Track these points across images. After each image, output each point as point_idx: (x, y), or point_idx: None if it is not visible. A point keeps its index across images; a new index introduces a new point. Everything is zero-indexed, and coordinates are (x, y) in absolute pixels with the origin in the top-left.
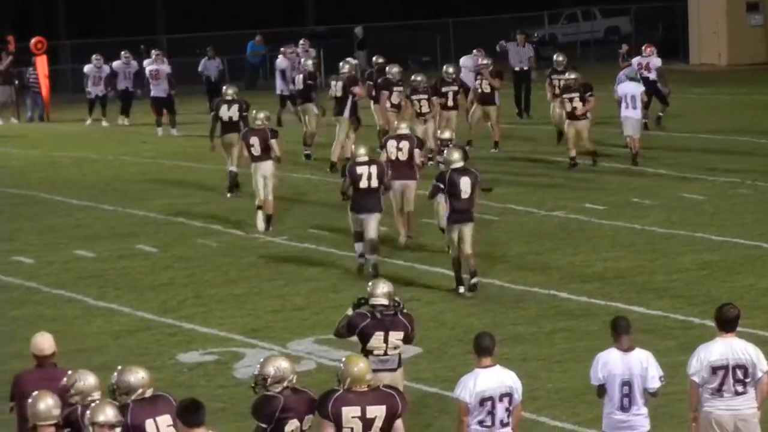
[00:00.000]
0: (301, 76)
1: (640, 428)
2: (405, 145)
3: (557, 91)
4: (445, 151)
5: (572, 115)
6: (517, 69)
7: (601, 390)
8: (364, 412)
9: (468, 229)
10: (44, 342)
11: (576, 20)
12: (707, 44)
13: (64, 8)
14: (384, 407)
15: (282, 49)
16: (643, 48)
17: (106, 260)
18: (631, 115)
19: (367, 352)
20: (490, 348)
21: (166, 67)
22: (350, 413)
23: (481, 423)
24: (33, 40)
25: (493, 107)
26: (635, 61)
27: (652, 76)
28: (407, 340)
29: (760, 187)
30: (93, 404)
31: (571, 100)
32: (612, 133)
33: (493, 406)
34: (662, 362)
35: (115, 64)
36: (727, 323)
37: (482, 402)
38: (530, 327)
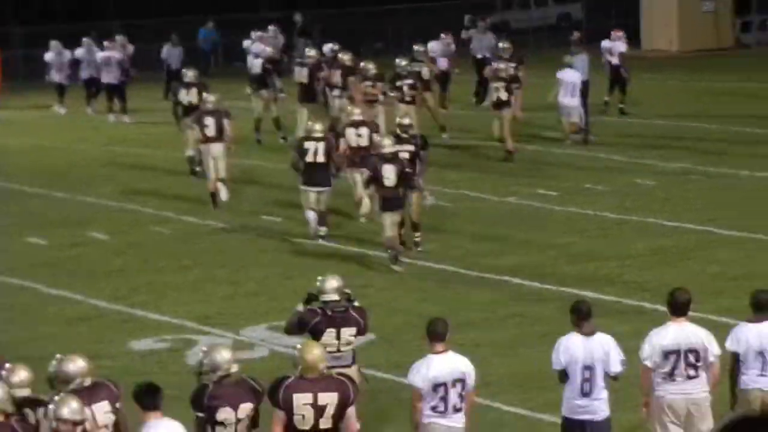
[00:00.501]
0: (260, 61)
1: (600, 413)
2: (364, 131)
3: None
4: (376, 138)
5: (497, 105)
6: (479, 57)
7: (563, 375)
8: (315, 399)
9: (396, 216)
10: None
11: (528, 6)
12: (659, 30)
13: None
14: (336, 394)
15: (258, 34)
16: (612, 32)
17: (58, 248)
18: (569, 103)
19: None
20: (443, 334)
21: (117, 54)
22: (302, 400)
23: (434, 409)
24: None
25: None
26: (603, 44)
27: (615, 60)
28: (360, 334)
29: (711, 173)
30: (56, 398)
31: (497, 89)
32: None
33: (446, 392)
34: None
35: (78, 51)
36: (678, 308)
37: (435, 388)
38: (483, 313)
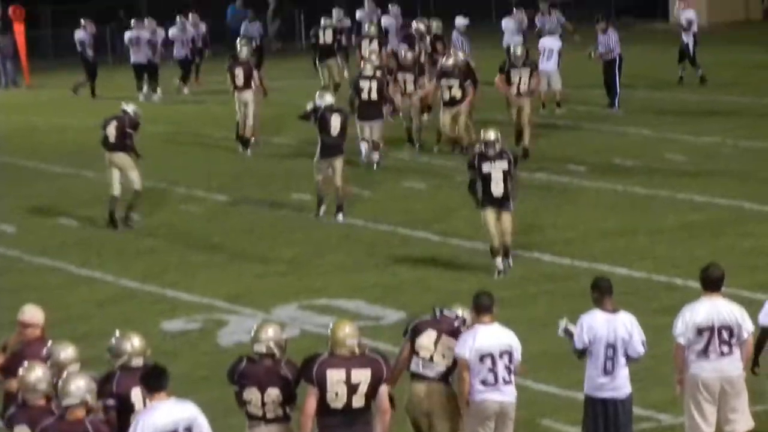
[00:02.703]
0: (330, 31)
1: (623, 390)
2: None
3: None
4: (318, 93)
5: (449, 103)
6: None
7: (583, 353)
8: (349, 376)
9: (338, 162)
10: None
11: None
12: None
13: None
14: (369, 371)
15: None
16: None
17: (88, 228)
18: (545, 67)
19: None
20: (489, 306)
21: (146, 34)
22: (335, 377)
23: (484, 382)
24: (10, 8)
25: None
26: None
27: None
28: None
29: (742, 147)
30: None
31: (449, 87)
32: (596, 94)
33: (494, 363)
34: (647, 324)
35: (171, 30)
36: (712, 283)
37: (482, 358)
38: (514, 290)
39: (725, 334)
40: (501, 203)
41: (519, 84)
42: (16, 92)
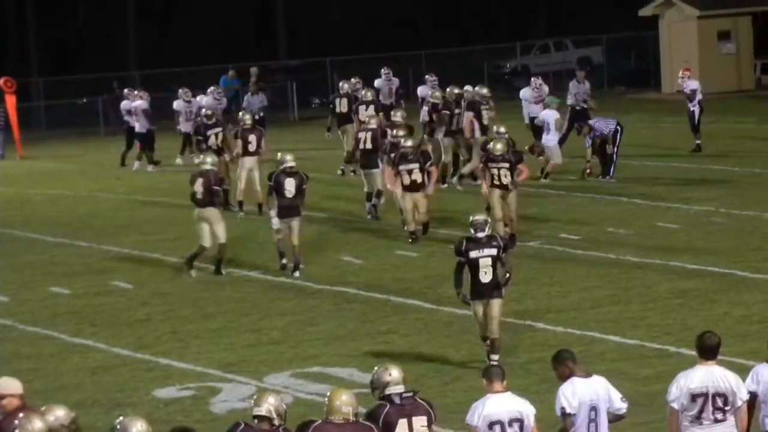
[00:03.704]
0: (345, 100)
1: None
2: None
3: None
4: (280, 154)
5: (410, 187)
6: (578, 108)
7: (569, 420)
8: None
9: (295, 223)
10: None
11: (548, 51)
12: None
13: (36, 46)
14: None
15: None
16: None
17: (81, 297)
18: (543, 141)
19: None
20: (500, 375)
21: (143, 103)
22: None
23: None
24: (2, 79)
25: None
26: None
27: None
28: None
29: (734, 215)
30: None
31: (410, 172)
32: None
33: (503, 431)
34: (639, 391)
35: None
36: (707, 351)
37: (491, 425)
38: (506, 357)
39: (719, 401)
40: (490, 293)
41: (500, 178)
42: (9, 163)
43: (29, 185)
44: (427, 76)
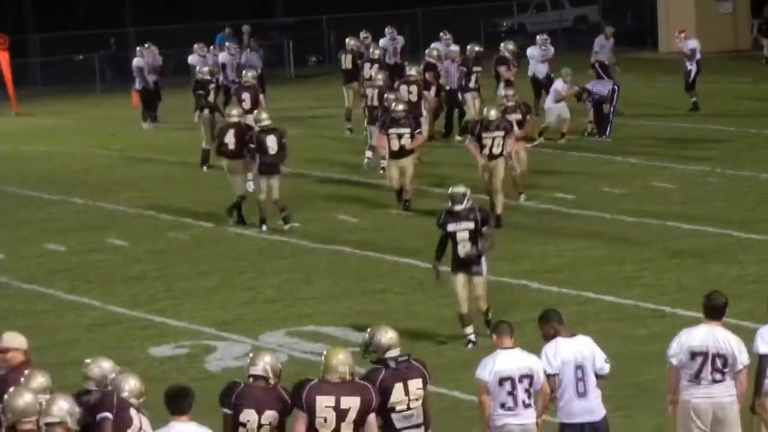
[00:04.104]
0: (350, 56)
1: (598, 412)
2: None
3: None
4: (256, 112)
5: (398, 153)
6: (607, 63)
7: (552, 380)
8: (338, 402)
9: (274, 181)
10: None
11: (545, 9)
12: (676, 33)
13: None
14: (358, 399)
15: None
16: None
17: (77, 254)
18: (546, 106)
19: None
20: (509, 331)
21: (144, 61)
22: (324, 402)
23: (503, 406)
24: None
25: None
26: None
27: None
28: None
29: (730, 175)
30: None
31: (399, 136)
32: (585, 122)
33: (513, 387)
34: (634, 351)
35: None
36: (713, 311)
37: (501, 382)
38: (501, 317)
39: (719, 362)
40: (470, 267)
41: (492, 147)
42: (4, 120)
43: (24, 142)
44: (441, 34)
